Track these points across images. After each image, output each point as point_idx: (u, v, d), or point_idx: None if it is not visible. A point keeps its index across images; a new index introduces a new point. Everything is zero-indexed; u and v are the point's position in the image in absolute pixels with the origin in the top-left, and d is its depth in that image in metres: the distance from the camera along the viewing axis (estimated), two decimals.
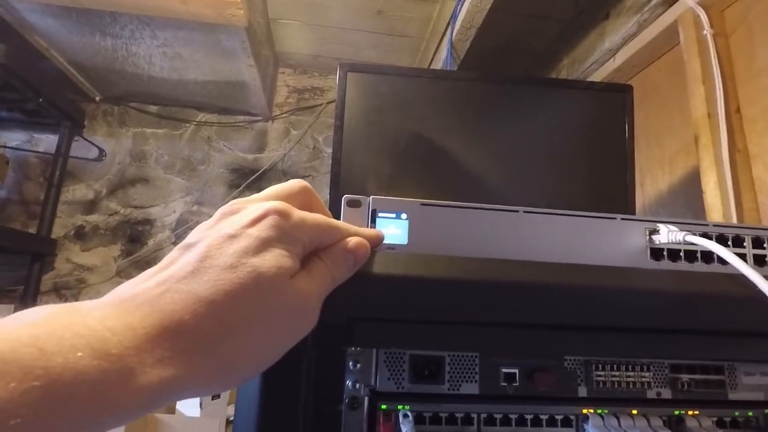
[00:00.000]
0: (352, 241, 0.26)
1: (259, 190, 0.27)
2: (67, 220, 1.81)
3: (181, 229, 1.84)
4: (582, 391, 0.33)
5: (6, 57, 1.35)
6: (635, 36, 1.18)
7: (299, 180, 0.28)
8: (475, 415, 0.31)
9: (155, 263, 0.22)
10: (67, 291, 1.75)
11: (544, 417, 0.32)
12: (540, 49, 1.61)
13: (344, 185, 0.72)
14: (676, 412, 0.33)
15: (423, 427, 0.30)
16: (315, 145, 2.00)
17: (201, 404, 1.18)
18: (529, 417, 0.32)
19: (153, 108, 1.94)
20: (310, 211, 0.26)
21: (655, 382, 0.34)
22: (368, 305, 0.27)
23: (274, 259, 0.22)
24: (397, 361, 0.31)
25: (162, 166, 1.90)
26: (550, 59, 1.60)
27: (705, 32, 0.96)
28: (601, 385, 0.33)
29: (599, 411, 0.32)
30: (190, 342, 0.19)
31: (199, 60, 1.56)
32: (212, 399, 1.22)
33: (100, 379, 0.16)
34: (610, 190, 0.76)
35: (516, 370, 0.32)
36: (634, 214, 0.76)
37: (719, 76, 0.92)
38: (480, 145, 0.77)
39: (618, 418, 0.32)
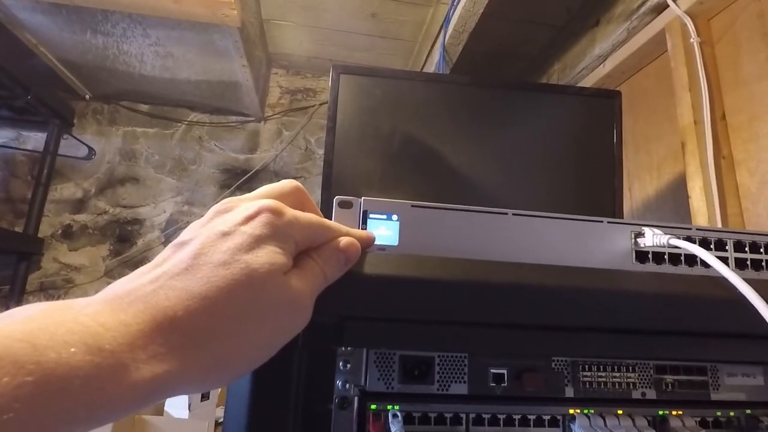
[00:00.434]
0: (344, 240, 0.27)
1: (251, 190, 0.27)
2: (55, 219, 1.79)
3: (171, 229, 1.82)
4: (569, 392, 0.33)
5: None
6: (624, 43, 1.20)
7: (291, 180, 0.28)
8: (464, 415, 0.31)
9: (144, 263, 0.22)
10: (54, 291, 1.72)
11: (531, 417, 0.32)
12: (531, 54, 1.63)
13: (336, 187, 0.72)
14: (661, 412, 0.34)
15: (412, 427, 0.30)
16: (307, 146, 2.00)
17: (190, 406, 1.17)
18: (517, 417, 0.32)
19: (144, 107, 1.92)
20: (302, 210, 0.27)
21: (640, 383, 0.34)
22: (359, 305, 0.28)
23: (266, 256, 0.22)
24: (387, 361, 0.31)
25: (152, 166, 1.88)
26: (542, 64, 1.62)
27: (692, 40, 0.98)
28: (587, 386, 0.34)
29: (586, 411, 0.33)
30: (183, 338, 0.19)
31: (191, 59, 1.55)
32: (201, 400, 1.21)
33: (93, 374, 0.16)
34: (599, 194, 0.77)
35: (504, 371, 0.32)
36: (621, 217, 0.77)
37: (705, 83, 0.94)
38: (471, 148, 0.77)
39: (604, 418, 0.32)
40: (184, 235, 0.23)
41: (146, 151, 1.89)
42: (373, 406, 0.30)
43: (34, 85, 1.55)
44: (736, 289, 0.27)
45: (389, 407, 0.31)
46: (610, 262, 0.33)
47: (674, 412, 0.34)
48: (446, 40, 1.33)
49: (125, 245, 1.80)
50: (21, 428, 0.15)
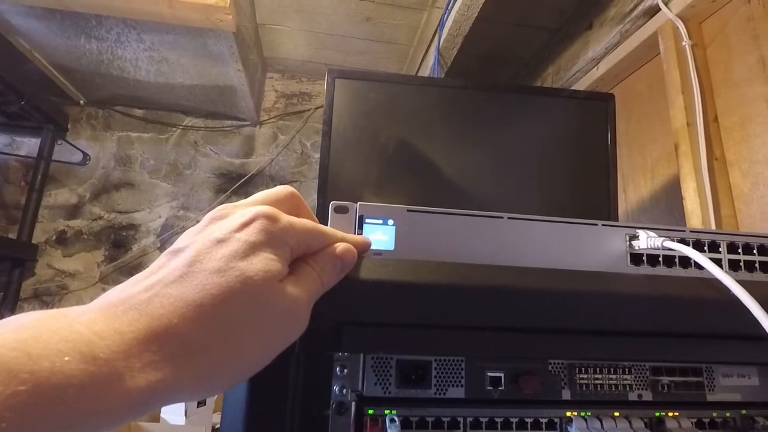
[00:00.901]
0: (340, 246, 0.27)
1: (246, 195, 0.27)
2: (49, 225, 1.78)
3: (167, 234, 1.82)
4: (566, 394, 0.33)
5: None
6: (617, 46, 1.21)
7: (286, 186, 0.28)
8: (461, 419, 0.31)
9: (140, 269, 0.22)
10: (48, 297, 1.71)
11: (528, 420, 0.32)
12: (525, 57, 1.64)
13: (332, 191, 0.72)
14: (657, 414, 0.34)
15: None
16: (303, 150, 2.00)
17: (186, 412, 1.16)
18: (514, 420, 0.32)
19: (139, 112, 1.92)
20: (297, 216, 0.27)
21: (636, 385, 0.34)
22: (356, 311, 0.28)
23: (262, 263, 0.22)
24: (384, 366, 0.31)
25: (147, 171, 1.88)
26: (536, 67, 1.63)
27: (684, 43, 0.99)
28: (584, 388, 0.34)
29: (582, 413, 0.33)
30: (178, 346, 0.19)
31: (186, 64, 1.55)
32: (198, 406, 1.20)
33: (88, 383, 0.16)
34: (594, 197, 0.78)
35: (501, 374, 0.33)
36: (616, 220, 0.78)
37: (697, 86, 0.95)
38: (466, 151, 0.78)
39: (601, 420, 0.32)
40: (179, 243, 0.23)
41: (141, 156, 1.89)
42: (370, 411, 0.30)
43: (27, 91, 1.54)
44: (730, 290, 0.28)
45: (386, 412, 0.31)
46: (606, 265, 0.34)
47: (670, 414, 0.34)
48: (441, 43, 1.34)
49: (120, 251, 1.79)
50: None
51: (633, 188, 1.22)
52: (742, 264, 0.35)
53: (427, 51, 1.63)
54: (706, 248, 0.35)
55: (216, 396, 1.29)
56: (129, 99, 1.85)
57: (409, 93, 0.78)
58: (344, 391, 0.30)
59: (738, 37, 0.92)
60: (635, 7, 1.10)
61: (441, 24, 1.34)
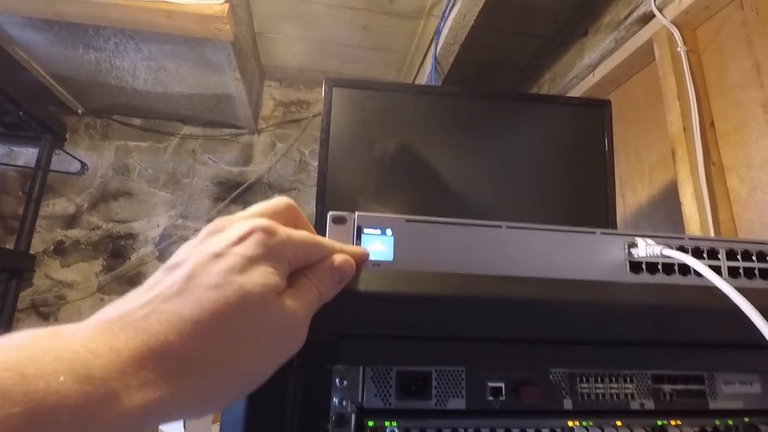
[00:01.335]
0: (338, 258, 0.27)
1: (245, 203, 0.27)
2: (47, 235, 1.77)
3: (165, 243, 1.81)
4: (567, 404, 0.33)
5: None
6: (613, 52, 1.22)
7: (284, 198, 0.28)
8: (462, 430, 0.31)
9: (138, 278, 0.22)
10: (46, 308, 1.70)
11: (530, 430, 0.32)
12: (522, 65, 1.65)
13: (330, 199, 0.72)
14: (659, 423, 0.33)
15: None
16: (301, 158, 2.00)
17: (185, 423, 1.15)
18: (515, 431, 0.32)
19: (137, 121, 1.92)
20: (295, 228, 0.26)
21: (638, 394, 0.34)
22: (355, 322, 0.27)
23: (260, 277, 0.22)
24: (384, 377, 0.31)
25: (146, 180, 1.87)
26: (532, 74, 1.64)
27: (679, 49, 0.99)
28: (585, 398, 0.33)
29: (584, 423, 0.32)
30: (175, 364, 0.19)
31: (184, 73, 1.55)
32: None
33: (84, 403, 0.16)
34: (592, 203, 0.78)
35: (502, 384, 0.32)
36: (614, 226, 0.78)
37: (693, 91, 0.96)
38: (463, 159, 0.78)
39: (603, 430, 0.32)
40: (176, 257, 0.23)
41: (139, 165, 1.89)
42: (370, 423, 0.30)
43: (25, 101, 1.54)
44: (729, 298, 0.28)
45: (387, 424, 0.30)
46: (605, 273, 0.34)
47: (673, 422, 0.34)
48: (437, 51, 1.35)
49: (118, 260, 1.78)
50: None
51: (631, 194, 1.22)
52: (741, 271, 0.35)
53: (424, 59, 1.64)
54: (705, 255, 0.35)
55: None
56: (127, 108, 1.85)
57: (406, 101, 0.78)
58: (344, 403, 0.30)
59: (732, 43, 0.93)
60: (630, 13, 1.11)
61: (437, 32, 1.34)
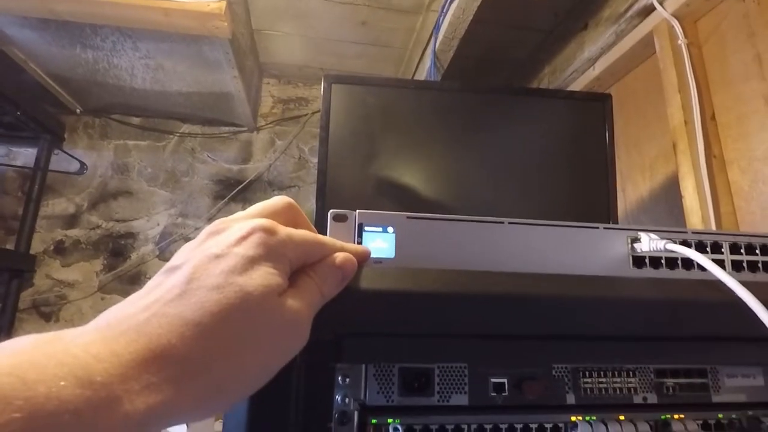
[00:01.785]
0: (340, 256, 0.26)
1: (245, 201, 0.27)
2: (47, 235, 1.77)
3: (165, 242, 1.81)
4: (570, 399, 0.33)
5: None
6: (613, 46, 1.21)
7: (283, 197, 0.28)
8: (465, 426, 0.31)
9: (139, 277, 0.22)
10: (47, 308, 1.70)
11: (533, 426, 0.32)
12: (522, 59, 1.64)
13: (330, 196, 0.72)
14: (663, 417, 0.33)
15: None
16: (301, 155, 2.00)
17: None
18: (518, 426, 0.32)
19: (135, 120, 1.92)
20: (295, 227, 0.26)
21: (641, 388, 0.34)
22: (357, 320, 0.27)
23: (261, 277, 0.22)
24: (387, 374, 0.31)
25: (145, 179, 1.87)
26: (532, 68, 1.63)
27: (679, 42, 0.99)
28: (588, 392, 0.33)
29: (587, 418, 0.32)
30: (177, 367, 0.19)
31: (182, 71, 1.55)
32: None
33: (85, 408, 0.16)
34: (593, 197, 0.78)
35: (505, 380, 0.32)
36: (615, 219, 0.78)
37: (694, 84, 0.95)
38: (464, 154, 0.77)
39: (606, 425, 0.32)
40: (175, 259, 0.23)
41: (138, 164, 1.88)
42: (373, 421, 0.30)
43: (23, 101, 1.54)
44: (733, 292, 0.27)
45: (389, 421, 0.30)
46: (608, 268, 0.33)
47: (676, 416, 0.34)
48: (437, 46, 1.34)
49: (119, 259, 1.78)
50: None
51: (632, 187, 1.21)
52: (745, 264, 0.35)
53: (423, 54, 1.63)
54: (708, 249, 0.34)
55: None
56: (125, 107, 1.85)
57: (405, 97, 0.78)
58: (347, 400, 0.30)
59: (733, 35, 0.93)
60: (630, 6, 1.10)
61: (437, 27, 1.34)
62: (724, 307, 0.29)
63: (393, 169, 0.75)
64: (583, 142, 0.80)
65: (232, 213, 0.26)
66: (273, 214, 0.26)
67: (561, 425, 0.32)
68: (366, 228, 0.32)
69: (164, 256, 1.78)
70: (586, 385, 0.33)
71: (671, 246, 0.32)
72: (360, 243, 0.32)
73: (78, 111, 1.86)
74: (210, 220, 1.76)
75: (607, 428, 0.32)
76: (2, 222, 1.75)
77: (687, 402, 0.34)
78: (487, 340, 0.29)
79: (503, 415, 0.32)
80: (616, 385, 0.34)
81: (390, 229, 0.32)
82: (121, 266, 1.78)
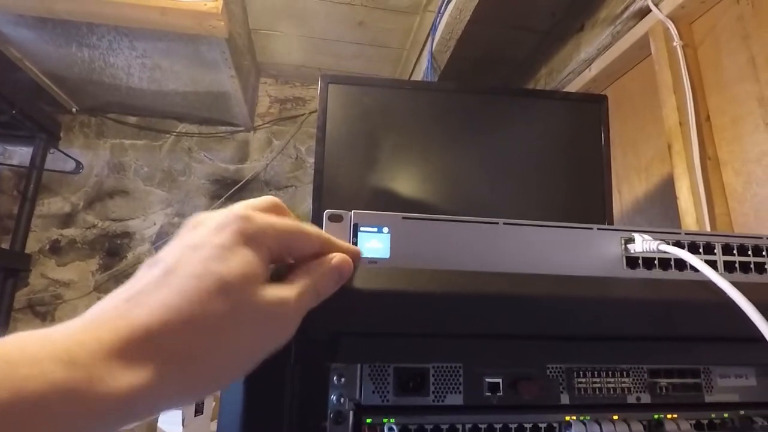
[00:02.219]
0: (337, 257, 0.27)
1: (241, 200, 0.27)
2: (42, 235, 1.76)
3: (161, 242, 1.80)
4: (564, 399, 0.33)
5: None
6: (609, 47, 1.21)
7: (270, 196, 0.28)
8: (460, 426, 0.31)
9: None
10: (42, 307, 1.69)
11: (528, 425, 0.32)
12: (518, 59, 1.65)
13: (327, 197, 0.72)
14: (656, 416, 0.34)
15: None
16: (298, 155, 2.00)
17: (183, 421, 1.16)
18: (513, 426, 0.32)
19: (132, 119, 1.91)
20: None
21: (634, 388, 0.34)
22: (352, 320, 0.27)
23: (239, 265, 0.22)
24: (382, 374, 0.31)
25: (141, 178, 1.86)
26: (529, 69, 1.64)
27: (675, 44, 0.99)
28: (582, 392, 0.34)
29: (582, 417, 0.33)
30: (159, 349, 0.19)
31: (179, 71, 1.54)
32: (195, 415, 1.19)
33: (69, 387, 0.16)
34: (588, 198, 0.78)
35: (500, 380, 0.32)
36: (611, 220, 0.78)
37: (689, 86, 0.96)
38: (461, 155, 0.78)
39: (600, 424, 0.32)
40: (158, 255, 0.23)
41: (135, 164, 1.88)
42: (368, 420, 0.30)
43: (19, 100, 1.53)
44: (725, 293, 0.28)
45: (385, 420, 0.30)
46: (602, 269, 0.34)
47: (669, 416, 0.34)
48: (434, 47, 1.35)
49: (115, 259, 1.78)
50: None
51: (628, 188, 1.22)
52: (737, 265, 0.35)
53: (420, 54, 1.64)
54: (701, 250, 0.35)
55: (214, 404, 1.28)
56: (122, 106, 1.84)
57: (402, 97, 0.78)
58: (342, 400, 0.30)
59: (728, 37, 0.93)
60: (626, 8, 1.11)
61: (434, 27, 1.34)
62: (716, 308, 0.30)
63: (390, 169, 0.76)
64: (579, 143, 0.80)
65: None
66: (256, 209, 0.26)
67: (555, 425, 0.33)
68: (361, 228, 0.32)
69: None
70: (580, 385, 0.34)
71: (664, 247, 0.32)
72: (355, 243, 0.32)
73: (74, 110, 1.85)
74: None
75: (600, 428, 0.32)
76: None
77: (680, 402, 0.35)
78: (482, 340, 0.29)
79: (498, 415, 0.32)
80: (609, 385, 0.34)
81: (385, 230, 0.32)
82: (117, 266, 1.77)
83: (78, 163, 1.82)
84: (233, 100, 1.73)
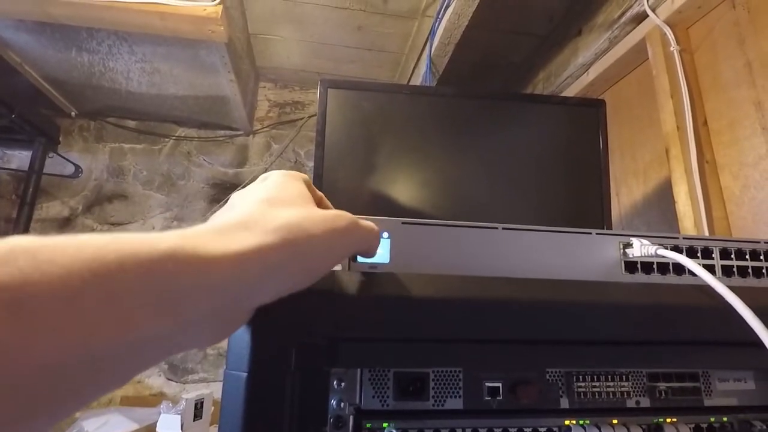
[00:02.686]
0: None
1: None
2: None
3: None
4: (564, 403, 0.33)
5: None
6: (607, 52, 1.22)
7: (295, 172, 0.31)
8: (459, 430, 0.31)
9: None
10: None
11: (527, 430, 0.32)
12: (517, 64, 1.65)
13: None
14: (655, 420, 0.34)
15: None
16: (297, 159, 2.00)
17: (182, 426, 1.15)
18: (512, 430, 0.32)
19: (131, 123, 1.91)
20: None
21: (634, 392, 0.35)
22: (352, 325, 0.27)
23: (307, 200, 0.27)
24: (382, 378, 0.31)
25: (140, 182, 1.87)
26: (527, 73, 1.65)
27: (672, 49, 1.00)
28: (582, 396, 0.34)
29: (581, 422, 0.33)
30: (266, 225, 0.22)
31: (178, 75, 1.55)
32: (194, 420, 1.19)
33: (178, 250, 0.18)
34: (587, 202, 0.78)
35: (499, 384, 0.32)
36: (609, 224, 0.78)
37: (686, 90, 0.96)
38: (459, 160, 0.78)
39: (599, 428, 0.32)
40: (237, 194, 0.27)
41: (134, 168, 1.88)
42: (368, 425, 0.30)
43: (18, 104, 1.53)
44: (723, 297, 0.28)
45: (384, 425, 0.30)
46: (601, 273, 0.34)
47: (668, 420, 0.34)
48: (432, 51, 1.35)
49: None
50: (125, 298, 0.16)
51: (626, 192, 1.22)
52: (735, 270, 0.35)
53: (418, 59, 1.64)
54: (699, 255, 0.35)
55: (212, 409, 1.28)
56: (121, 110, 1.85)
57: (401, 102, 0.78)
58: (342, 404, 0.30)
59: (724, 42, 0.94)
60: (623, 13, 1.12)
61: (432, 32, 1.35)
62: (714, 312, 0.30)
63: (389, 173, 0.76)
64: (577, 147, 0.80)
65: None
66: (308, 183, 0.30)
67: (555, 429, 0.33)
68: None
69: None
70: (580, 389, 0.34)
71: (662, 251, 0.32)
72: None
73: (73, 114, 1.85)
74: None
75: None
76: None
77: (679, 406, 0.35)
78: (482, 345, 0.29)
79: (498, 419, 0.32)
80: (609, 389, 0.34)
81: (385, 235, 0.32)
82: None
83: (77, 167, 1.82)
84: (232, 104, 1.74)
